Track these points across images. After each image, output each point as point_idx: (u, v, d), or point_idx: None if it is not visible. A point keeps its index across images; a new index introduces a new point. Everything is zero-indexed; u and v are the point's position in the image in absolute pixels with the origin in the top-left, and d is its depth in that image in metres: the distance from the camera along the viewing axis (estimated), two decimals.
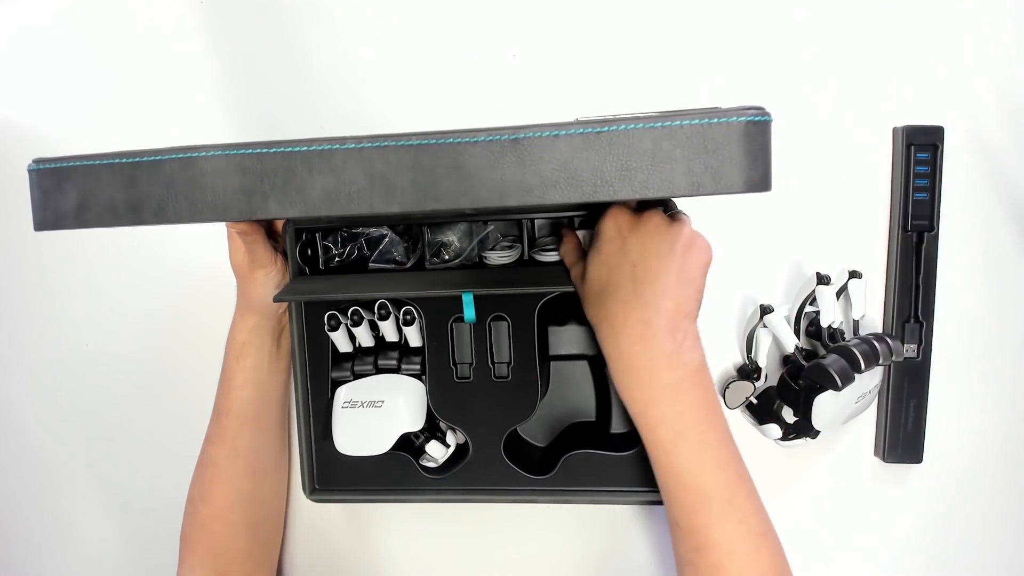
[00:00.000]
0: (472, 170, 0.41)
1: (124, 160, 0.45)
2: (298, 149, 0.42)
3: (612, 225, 0.70)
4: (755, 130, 0.41)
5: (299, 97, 0.96)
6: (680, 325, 0.68)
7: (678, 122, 0.41)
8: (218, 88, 0.97)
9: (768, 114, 0.41)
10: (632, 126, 0.41)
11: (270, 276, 0.83)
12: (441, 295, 0.83)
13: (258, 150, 0.43)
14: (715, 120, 0.41)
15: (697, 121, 0.41)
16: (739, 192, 0.41)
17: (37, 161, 0.47)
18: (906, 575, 0.91)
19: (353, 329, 0.90)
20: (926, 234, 0.84)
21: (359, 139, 0.42)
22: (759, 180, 0.41)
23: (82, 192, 0.46)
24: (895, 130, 0.86)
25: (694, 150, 0.40)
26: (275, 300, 0.84)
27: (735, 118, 0.41)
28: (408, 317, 0.88)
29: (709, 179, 0.40)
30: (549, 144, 0.41)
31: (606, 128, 0.41)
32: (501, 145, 0.41)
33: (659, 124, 0.41)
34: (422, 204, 0.42)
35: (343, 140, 0.42)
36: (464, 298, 0.83)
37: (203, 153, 0.44)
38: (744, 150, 0.40)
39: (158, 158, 0.44)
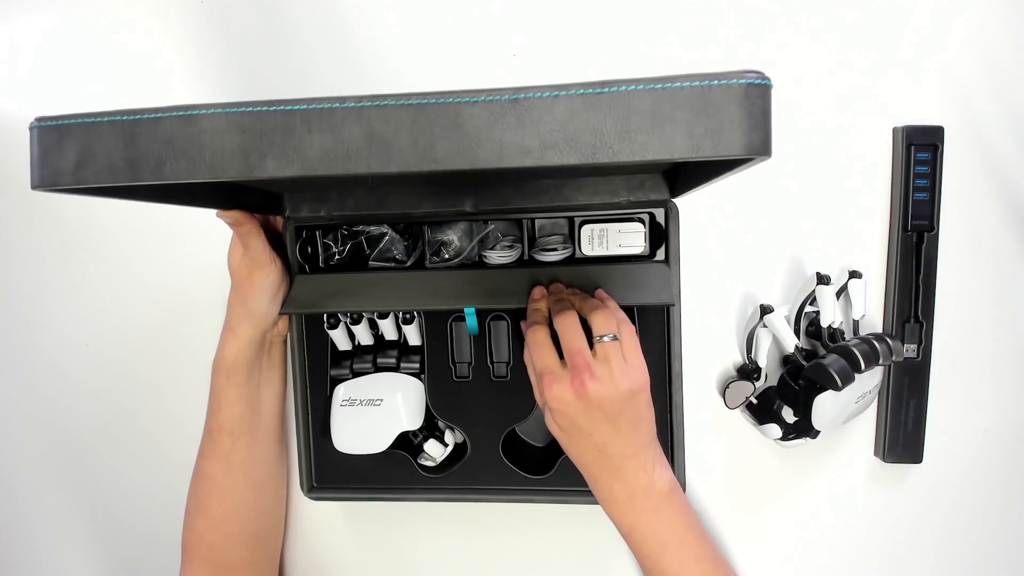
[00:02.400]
0: (471, 130, 0.41)
1: (125, 117, 0.45)
2: (298, 108, 0.42)
3: (556, 404, 0.72)
4: (755, 93, 0.41)
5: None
6: (647, 456, 0.74)
7: (679, 84, 0.41)
8: (217, 80, 0.97)
9: (768, 78, 0.41)
10: (633, 87, 0.41)
11: (269, 278, 0.82)
12: (443, 304, 0.83)
13: (258, 108, 0.43)
14: (715, 82, 0.41)
15: (697, 83, 0.41)
16: (739, 155, 0.41)
17: (39, 119, 0.47)
18: (906, 575, 0.90)
19: (352, 327, 0.90)
20: (926, 234, 0.84)
21: (359, 98, 0.42)
22: (759, 144, 0.41)
23: (82, 149, 0.45)
24: (895, 130, 0.86)
25: (694, 112, 0.40)
26: (282, 312, 0.85)
27: (735, 80, 0.41)
28: (407, 316, 0.88)
29: (708, 141, 0.40)
30: (549, 104, 0.41)
31: (606, 89, 0.41)
32: (501, 105, 0.41)
33: (660, 86, 0.41)
34: (420, 164, 0.41)
35: (343, 99, 0.42)
36: (467, 311, 0.84)
37: (203, 111, 0.43)
38: (744, 113, 0.40)
39: (158, 115, 0.44)
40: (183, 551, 0.88)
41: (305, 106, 0.42)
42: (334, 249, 0.89)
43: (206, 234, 0.95)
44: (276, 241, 0.85)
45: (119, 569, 1.08)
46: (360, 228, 0.88)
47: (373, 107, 0.42)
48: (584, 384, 0.70)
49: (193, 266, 0.99)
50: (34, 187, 0.48)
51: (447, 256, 0.87)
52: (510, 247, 0.85)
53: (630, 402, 0.71)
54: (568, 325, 0.73)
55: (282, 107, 0.42)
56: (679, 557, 0.75)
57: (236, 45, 0.97)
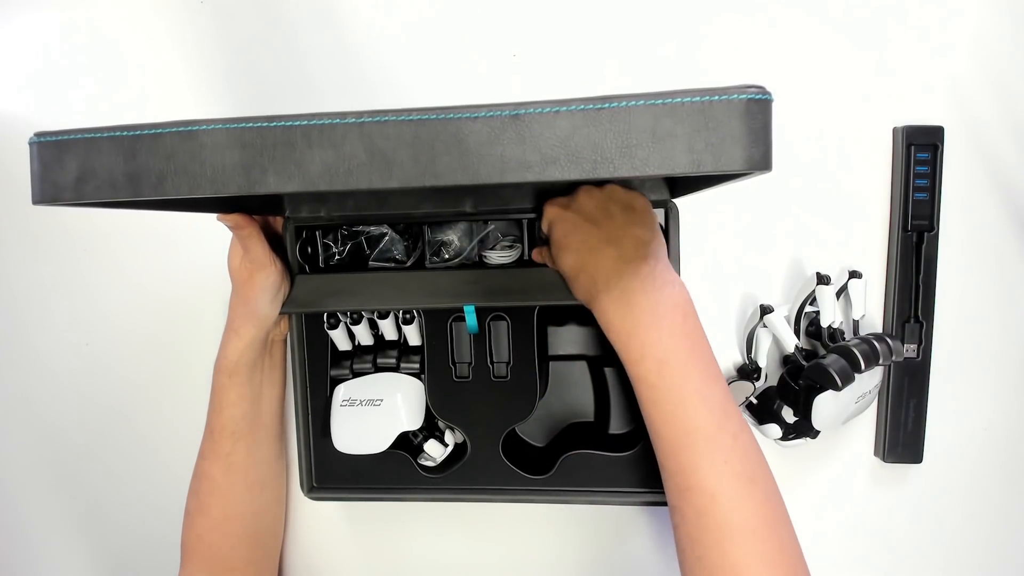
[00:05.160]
0: (472, 146, 0.41)
1: (125, 133, 0.44)
2: (298, 123, 0.42)
3: (554, 215, 0.73)
4: (756, 108, 0.41)
5: (301, 99, 0.96)
6: (652, 253, 0.70)
7: (679, 99, 0.41)
8: (217, 80, 0.97)
9: (768, 93, 0.41)
10: (633, 103, 0.41)
11: (269, 280, 0.81)
12: (443, 303, 0.83)
13: (258, 124, 0.42)
14: (716, 98, 0.40)
15: (698, 99, 0.40)
16: (739, 170, 0.41)
17: (39, 134, 0.47)
18: (906, 575, 0.90)
19: (352, 327, 0.90)
20: (926, 234, 0.84)
21: (359, 114, 0.42)
22: (760, 159, 0.41)
23: (82, 165, 0.45)
24: (895, 130, 0.86)
25: (695, 127, 0.40)
26: (282, 312, 0.85)
27: (736, 96, 0.40)
28: (407, 316, 0.88)
29: (709, 156, 0.40)
30: (550, 120, 0.41)
31: (607, 104, 0.41)
32: (501, 121, 0.41)
33: (660, 101, 0.41)
34: (421, 180, 0.41)
35: (343, 115, 0.42)
36: (467, 309, 0.84)
37: (204, 127, 0.43)
38: (745, 128, 0.40)
39: (159, 131, 0.44)
40: (183, 551, 0.89)
41: (306, 122, 0.42)
42: (334, 249, 0.89)
43: (205, 236, 0.95)
44: (276, 242, 0.85)
45: (117, 571, 1.08)
46: (360, 228, 0.88)
47: (374, 123, 0.42)
48: (582, 189, 0.73)
49: (192, 267, 0.99)
50: (35, 202, 0.48)
51: (447, 256, 0.87)
52: (510, 247, 0.86)
53: (627, 194, 0.72)
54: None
55: (283, 123, 0.42)
56: (679, 385, 0.66)
57: (236, 45, 0.96)
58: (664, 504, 0.82)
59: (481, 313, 0.86)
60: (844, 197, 0.87)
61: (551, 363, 0.94)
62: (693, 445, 0.65)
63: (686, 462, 0.65)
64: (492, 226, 0.86)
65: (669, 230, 0.82)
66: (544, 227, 0.75)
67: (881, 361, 0.77)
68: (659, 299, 0.68)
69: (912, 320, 0.86)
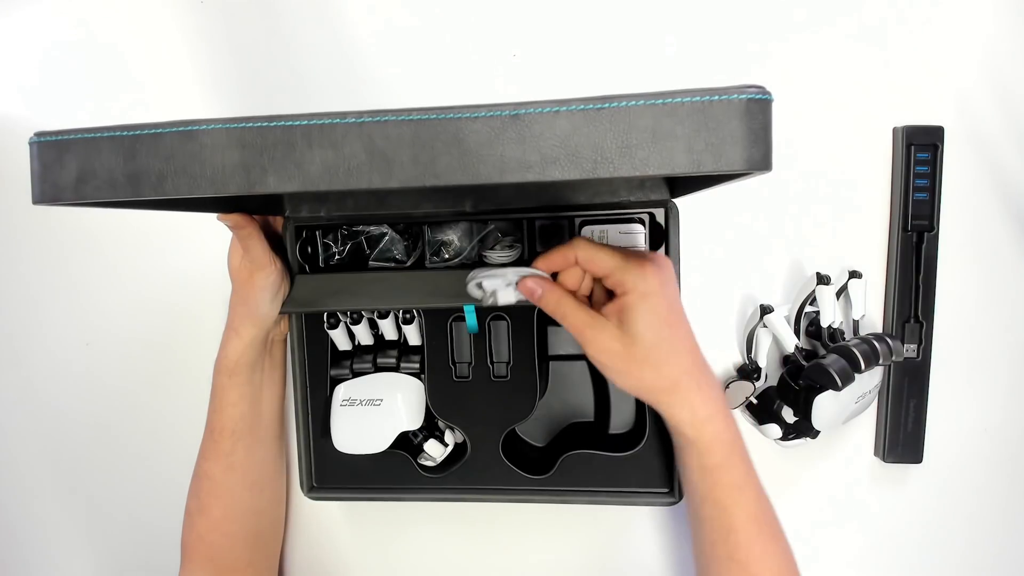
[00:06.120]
0: (472, 146, 0.41)
1: (125, 133, 0.45)
2: (298, 123, 0.42)
3: (657, 285, 0.66)
4: (756, 108, 0.41)
5: (301, 99, 0.96)
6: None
7: (679, 99, 0.41)
8: (219, 86, 0.97)
9: (768, 93, 0.41)
10: (633, 103, 0.41)
11: (269, 279, 0.81)
12: (443, 303, 0.82)
13: (258, 124, 0.42)
14: (716, 97, 0.41)
15: (698, 99, 0.41)
16: (739, 170, 0.41)
17: (39, 134, 0.47)
18: (906, 575, 0.90)
19: (352, 327, 0.90)
20: (926, 234, 0.84)
21: (359, 114, 0.42)
22: (760, 159, 0.41)
23: (82, 165, 0.45)
24: (895, 130, 0.86)
25: (695, 127, 0.40)
26: (282, 312, 0.84)
27: (736, 96, 0.41)
28: (407, 316, 0.88)
29: (709, 156, 0.40)
30: (550, 120, 0.41)
31: (607, 104, 0.41)
32: (501, 121, 0.41)
33: (660, 101, 0.41)
34: (421, 180, 0.41)
35: (343, 115, 0.42)
36: (467, 309, 0.83)
37: (203, 127, 0.43)
38: (745, 128, 0.40)
39: (159, 131, 0.44)
40: (183, 551, 0.89)
41: (306, 122, 0.42)
42: (334, 249, 0.89)
43: (205, 235, 0.95)
44: (276, 242, 0.85)
45: (117, 570, 1.08)
46: (360, 228, 0.88)
47: (374, 123, 0.42)
48: (660, 256, 0.69)
49: (192, 267, 0.99)
50: (35, 202, 0.48)
51: (447, 256, 0.87)
52: (510, 247, 0.85)
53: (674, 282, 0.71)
54: (587, 248, 0.68)
55: (283, 123, 0.42)
56: (748, 471, 0.71)
57: (236, 45, 0.96)
58: (663, 504, 0.82)
59: (481, 313, 0.86)
60: (844, 197, 0.87)
61: (551, 363, 0.93)
62: (750, 527, 0.70)
63: (742, 540, 0.70)
64: (492, 226, 0.86)
65: (669, 230, 0.82)
66: (620, 281, 0.66)
67: (881, 361, 0.77)
68: (720, 388, 0.72)
69: (912, 320, 0.86)
